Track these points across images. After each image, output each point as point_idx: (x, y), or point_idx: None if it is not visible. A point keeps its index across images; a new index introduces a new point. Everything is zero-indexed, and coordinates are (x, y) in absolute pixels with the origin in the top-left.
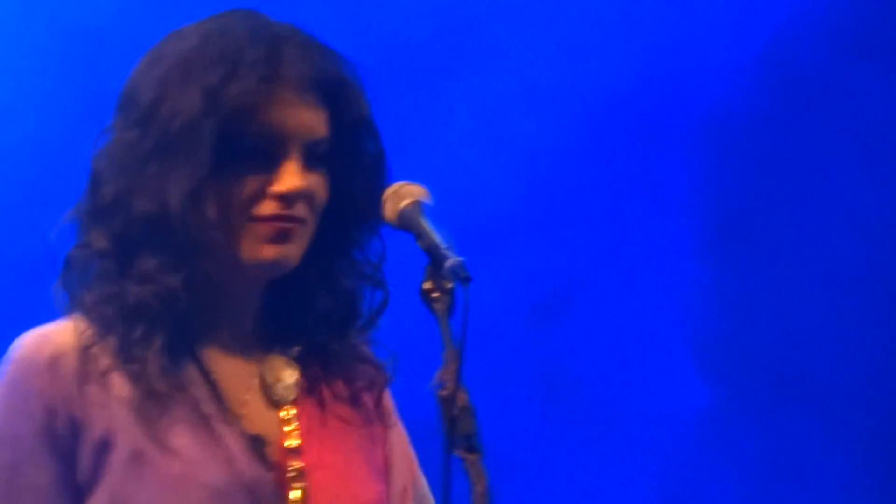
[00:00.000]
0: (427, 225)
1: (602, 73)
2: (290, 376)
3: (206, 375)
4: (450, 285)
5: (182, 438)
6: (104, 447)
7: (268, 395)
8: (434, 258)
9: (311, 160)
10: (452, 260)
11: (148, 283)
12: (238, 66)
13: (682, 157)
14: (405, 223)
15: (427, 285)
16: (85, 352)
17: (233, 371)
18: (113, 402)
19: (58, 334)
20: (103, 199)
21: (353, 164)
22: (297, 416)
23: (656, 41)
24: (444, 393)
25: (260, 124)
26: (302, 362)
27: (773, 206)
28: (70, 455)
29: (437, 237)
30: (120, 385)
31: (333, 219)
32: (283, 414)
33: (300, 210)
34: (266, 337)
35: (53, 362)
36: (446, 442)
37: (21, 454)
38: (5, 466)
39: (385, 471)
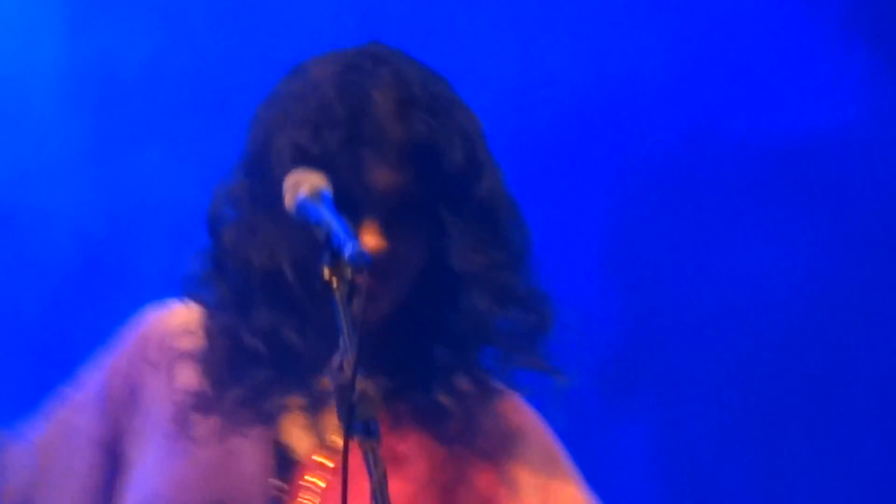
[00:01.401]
0: (326, 213)
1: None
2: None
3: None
4: (349, 273)
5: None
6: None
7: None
8: (333, 247)
9: (400, 216)
10: (351, 248)
11: (262, 336)
12: (322, 126)
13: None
14: (304, 212)
15: (326, 273)
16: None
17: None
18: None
19: (180, 314)
20: (222, 245)
21: (450, 215)
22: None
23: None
24: (342, 380)
25: (343, 184)
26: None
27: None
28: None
29: (335, 225)
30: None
31: (444, 270)
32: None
33: (381, 269)
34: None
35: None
36: (345, 429)
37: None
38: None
39: None
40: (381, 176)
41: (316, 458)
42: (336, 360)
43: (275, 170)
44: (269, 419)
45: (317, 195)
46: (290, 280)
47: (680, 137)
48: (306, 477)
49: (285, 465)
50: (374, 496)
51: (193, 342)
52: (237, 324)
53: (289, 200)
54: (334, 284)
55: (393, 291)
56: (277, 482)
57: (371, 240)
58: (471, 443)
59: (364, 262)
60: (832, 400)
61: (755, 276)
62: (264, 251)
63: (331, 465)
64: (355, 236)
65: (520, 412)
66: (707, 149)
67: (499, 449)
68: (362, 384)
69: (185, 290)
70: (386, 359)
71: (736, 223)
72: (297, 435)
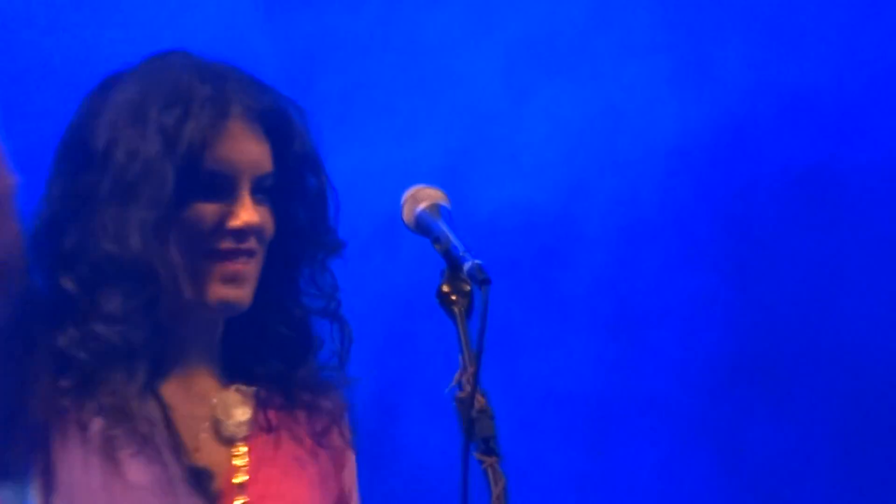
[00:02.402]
0: (444, 228)
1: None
2: (242, 414)
3: (165, 411)
4: (468, 288)
5: (136, 472)
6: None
7: (219, 432)
8: (451, 261)
9: (259, 193)
10: (471, 262)
11: (115, 323)
12: (190, 105)
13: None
14: (422, 226)
15: (445, 288)
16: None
17: (190, 407)
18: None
19: None
20: (66, 244)
21: (297, 197)
22: (248, 453)
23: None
24: (463, 395)
25: (214, 160)
26: (259, 399)
27: None
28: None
29: (454, 240)
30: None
31: (280, 252)
32: (234, 451)
33: (252, 244)
34: (226, 372)
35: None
36: (465, 444)
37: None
38: None
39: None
40: (249, 148)
41: (235, 479)
42: (457, 375)
43: (136, 159)
44: (182, 450)
45: (435, 209)
46: (138, 264)
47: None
48: (234, 501)
49: (209, 490)
50: None
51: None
52: (89, 323)
53: (407, 214)
54: (453, 298)
55: (258, 271)
56: None
57: (249, 214)
58: (331, 442)
59: (485, 276)
60: None
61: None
62: (112, 240)
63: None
64: (471, 253)
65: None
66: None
67: (335, 438)
68: (481, 400)
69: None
70: (249, 360)
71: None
72: (211, 455)
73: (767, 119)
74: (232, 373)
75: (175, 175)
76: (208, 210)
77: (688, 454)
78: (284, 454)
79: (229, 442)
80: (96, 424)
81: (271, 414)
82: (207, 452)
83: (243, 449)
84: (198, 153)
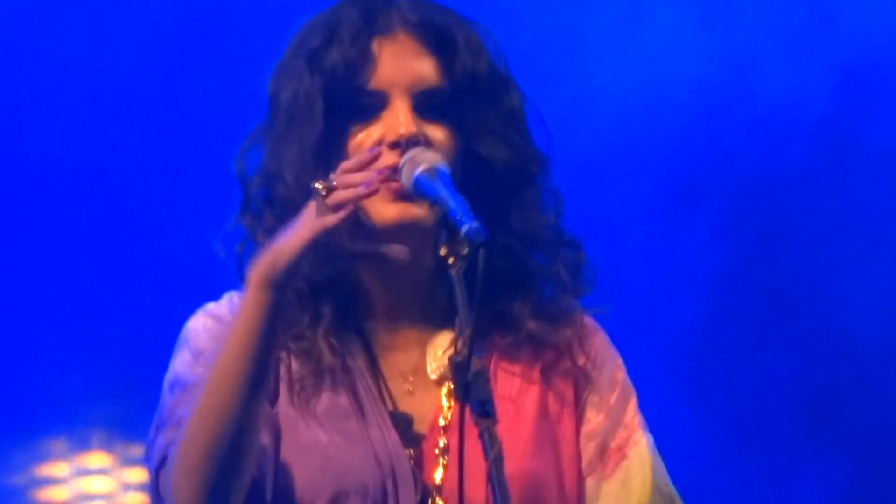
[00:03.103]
0: (443, 191)
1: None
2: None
3: (369, 348)
4: (465, 251)
5: (331, 415)
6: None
7: (428, 374)
8: (449, 224)
9: (429, 111)
10: (468, 225)
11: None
12: (337, 30)
13: None
14: (420, 189)
15: (443, 251)
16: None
17: (398, 350)
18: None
19: (221, 307)
20: (251, 192)
21: (481, 119)
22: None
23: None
24: (459, 359)
25: (364, 79)
26: (482, 339)
27: None
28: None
29: (452, 203)
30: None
31: (481, 180)
32: (443, 391)
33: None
34: (444, 316)
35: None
36: (461, 407)
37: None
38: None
39: (562, 442)
40: (403, 62)
41: (441, 420)
42: (453, 338)
43: (291, 93)
44: (382, 391)
45: (433, 172)
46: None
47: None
48: (438, 442)
49: (409, 433)
50: (489, 476)
51: None
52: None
53: (405, 177)
54: (450, 261)
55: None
56: (411, 452)
57: (402, 125)
58: (562, 369)
59: (481, 238)
60: None
61: None
62: (286, 181)
63: (443, 422)
64: (472, 214)
65: (595, 335)
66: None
67: (579, 372)
68: (478, 363)
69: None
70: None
71: None
72: (422, 396)
73: None
74: (450, 319)
75: (324, 100)
76: (365, 129)
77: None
78: (500, 395)
79: (439, 384)
80: (285, 370)
81: (488, 354)
82: (414, 396)
83: (452, 387)
84: (346, 76)
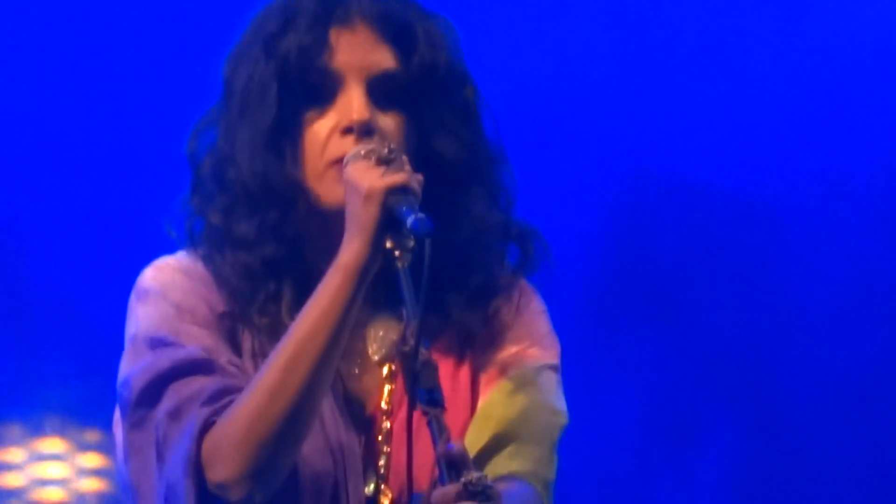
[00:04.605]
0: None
1: None
2: (394, 333)
3: None
4: (411, 244)
5: None
6: None
7: (371, 356)
8: (394, 216)
9: (383, 99)
10: (413, 217)
11: (251, 246)
12: (294, 16)
13: None
14: None
15: (389, 244)
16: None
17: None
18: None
19: (184, 263)
20: (202, 173)
21: (435, 113)
22: (395, 377)
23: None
24: (406, 349)
25: (319, 64)
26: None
27: None
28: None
29: (399, 196)
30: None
31: (433, 174)
32: (384, 372)
33: (369, 132)
34: (384, 299)
35: (203, 278)
36: (410, 396)
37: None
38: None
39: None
40: (358, 48)
41: (383, 404)
42: (391, 326)
43: (246, 76)
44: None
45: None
46: (248, 178)
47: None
48: (382, 426)
49: (360, 417)
50: (438, 464)
51: (209, 292)
52: (226, 248)
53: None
54: (396, 254)
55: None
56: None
57: (356, 111)
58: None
59: (427, 229)
60: None
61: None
62: (237, 164)
63: (384, 406)
64: (418, 210)
65: (525, 299)
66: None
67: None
68: (425, 353)
69: (175, 232)
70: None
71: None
72: (367, 379)
73: None
74: (388, 297)
75: (278, 85)
76: (319, 116)
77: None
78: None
79: (380, 366)
80: (249, 343)
81: (430, 335)
82: (360, 379)
83: (393, 369)
84: (301, 60)
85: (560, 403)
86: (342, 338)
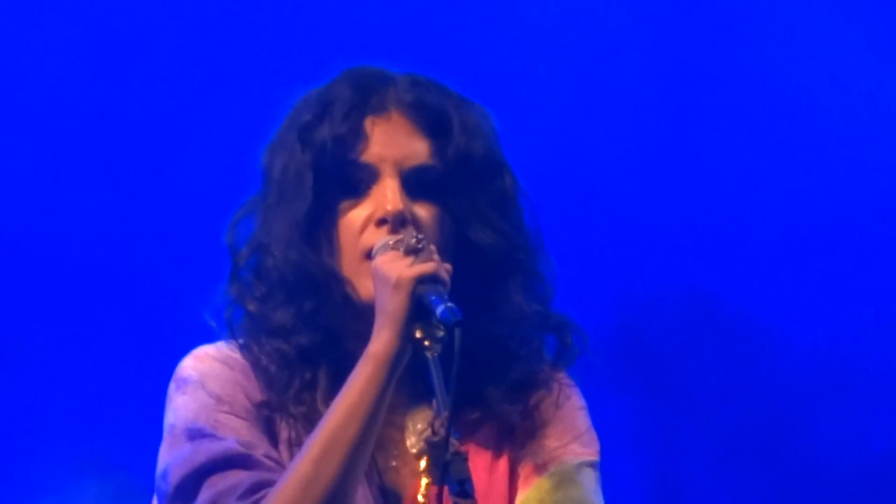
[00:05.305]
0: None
1: None
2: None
3: None
4: (441, 333)
5: None
6: None
7: (408, 448)
8: (424, 306)
9: (418, 190)
10: (442, 306)
11: (287, 334)
12: (330, 106)
13: None
14: None
15: (418, 333)
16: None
17: (387, 420)
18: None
19: (223, 352)
20: (240, 262)
21: (471, 203)
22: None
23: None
24: (435, 439)
25: (354, 155)
26: (459, 414)
27: None
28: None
29: (427, 285)
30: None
31: (470, 265)
32: (422, 465)
33: (405, 223)
34: (425, 391)
35: (242, 367)
36: (439, 487)
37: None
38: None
39: None
40: (392, 141)
41: (419, 497)
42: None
43: (282, 166)
44: (371, 467)
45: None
46: (284, 268)
47: None
48: None
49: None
50: None
51: (247, 382)
52: (263, 337)
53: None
54: (426, 343)
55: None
56: None
57: (389, 201)
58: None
59: (456, 318)
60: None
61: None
62: (273, 253)
63: (421, 499)
64: (448, 299)
65: (564, 394)
66: None
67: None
68: (455, 444)
69: (218, 323)
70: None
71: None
72: (404, 471)
73: None
74: (429, 389)
75: (314, 175)
76: (354, 206)
77: None
78: (476, 467)
79: (418, 459)
80: (286, 433)
81: (465, 428)
82: (398, 470)
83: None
84: (333, 150)
85: (599, 502)
86: (374, 427)
